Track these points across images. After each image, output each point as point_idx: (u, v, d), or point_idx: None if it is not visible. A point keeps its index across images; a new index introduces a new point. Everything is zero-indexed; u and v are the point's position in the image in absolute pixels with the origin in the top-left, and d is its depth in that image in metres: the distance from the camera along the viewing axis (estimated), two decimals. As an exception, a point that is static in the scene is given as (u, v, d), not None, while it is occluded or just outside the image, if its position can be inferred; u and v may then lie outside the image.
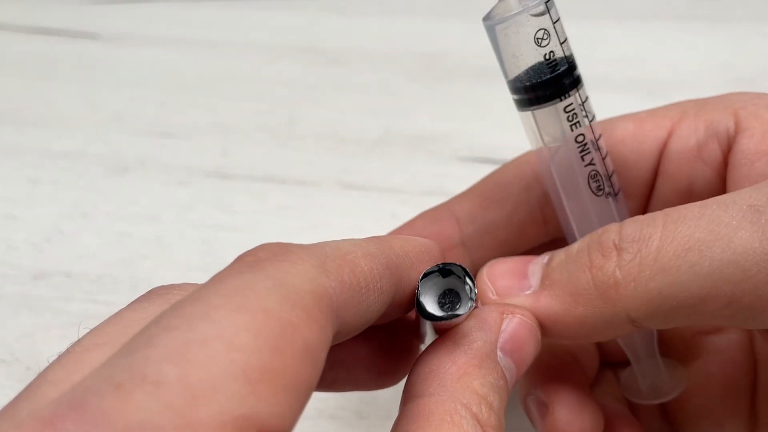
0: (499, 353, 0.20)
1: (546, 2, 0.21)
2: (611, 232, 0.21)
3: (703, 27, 0.49)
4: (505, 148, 0.41)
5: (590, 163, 0.23)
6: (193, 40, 0.49)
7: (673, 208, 0.21)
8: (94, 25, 0.50)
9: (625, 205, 0.25)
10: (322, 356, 0.16)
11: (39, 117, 0.45)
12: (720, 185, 0.24)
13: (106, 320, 0.18)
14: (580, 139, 0.23)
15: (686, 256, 0.19)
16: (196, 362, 0.14)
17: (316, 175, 0.41)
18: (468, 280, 0.20)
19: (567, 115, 0.23)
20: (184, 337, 0.15)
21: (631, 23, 0.49)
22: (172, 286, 0.18)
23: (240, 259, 0.17)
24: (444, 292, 0.20)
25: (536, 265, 0.22)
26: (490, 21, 0.22)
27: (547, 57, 0.22)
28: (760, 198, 0.20)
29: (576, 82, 0.22)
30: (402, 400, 0.20)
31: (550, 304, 0.21)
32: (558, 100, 0.22)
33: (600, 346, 0.27)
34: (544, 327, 0.22)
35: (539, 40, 0.21)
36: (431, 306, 0.20)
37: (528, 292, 0.22)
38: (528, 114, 0.23)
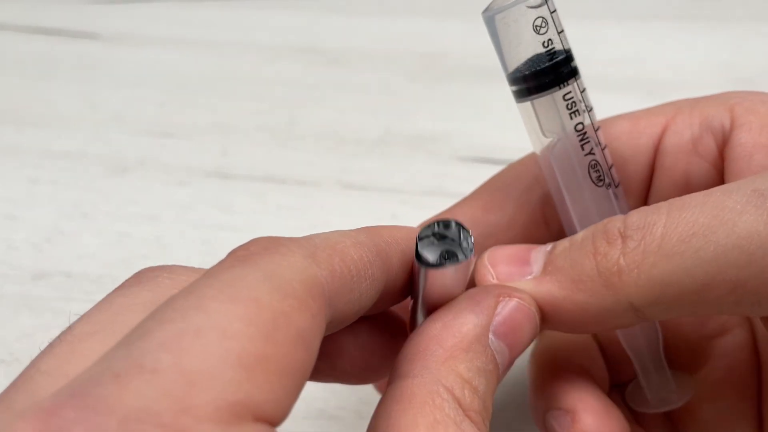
0: (491, 337, 0.20)
1: None
2: (617, 221, 0.21)
3: (703, 27, 0.49)
4: (505, 148, 0.41)
5: (590, 153, 0.23)
6: (193, 40, 0.49)
7: (677, 198, 0.21)
8: (94, 25, 0.50)
9: (624, 198, 0.25)
10: (315, 343, 0.17)
11: (39, 117, 0.45)
12: (717, 178, 0.24)
13: (95, 306, 0.18)
14: (579, 128, 0.23)
15: (690, 241, 0.19)
16: (192, 351, 0.15)
17: (316, 175, 0.41)
18: (464, 233, 0.20)
19: (566, 103, 0.23)
20: (178, 328, 0.15)
21: (631, 23, 0.49)
22: (160, 268, 0.19)
23: (232, 254, 0.18)
24: (442, 253, 0.20)
25: (539, 252, 0.22)
26: (489, 12, 0.22)
27: (546, 45, 0.22)
28: (765, 183, 0.20)
29: (574, 72, 0.23)
30: (389, 379, 0.20)
31: (551, 289, 0.21)
32: (557, 88, 0.22)
33: (609, 365, 0.26)
34: (544, 313, 0.22)
35: (538, 28, 0.22)
36: (431, 258, 0.20)
37: (529, 277, 0.22)
38: (527, 105, 0.23)
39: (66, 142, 0.43)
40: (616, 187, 0.24)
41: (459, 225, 0.20)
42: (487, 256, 0.23)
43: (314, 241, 0.18)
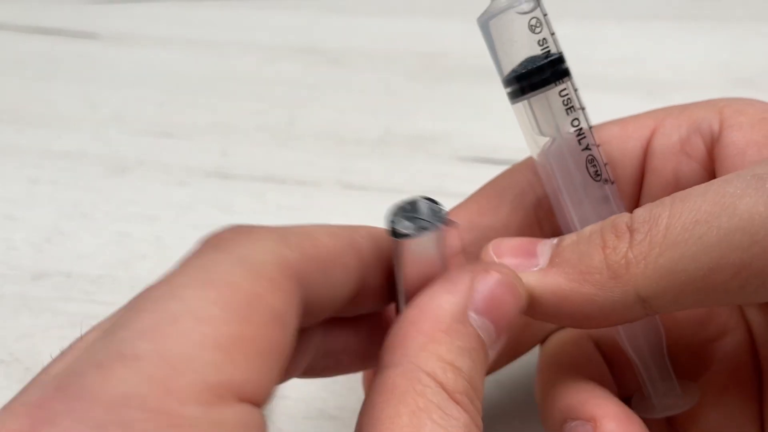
0: (472, 314, 0.20)
1: None
2: (624, 216, 0.21)
3: (703, 27, 0.49)
4: (505, 148, 0.41)
5: (587, 148, 0.24)
6: (193, 40, 0.49)
7: (680, 191, 0.21)
8: (94, 25, 0.50)
9: (620, 197, 0.25)
10: (291, 322, 0.17)
11: (39, 117, 0.45)
12: (706, 178, 0.24)
13: (109, 316, 0.18)
14: (575, 123, 0.23)
15: (694, 228, 0.20)
16: (169, 337, 0.15)
17: (316, 175, 0.41)
18: (432, 206, 0.20)
19: (563, 99, 0.23)
20: (156, 317, 0.16)
21: (631, 23, 0.49)
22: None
23: (205, 241, 0.18)
24: (415, 227, 0.20)
25: (545, 245, 0.22)
26: (484, 17, 0.22)
27: (541, 43, 0.22)
28: (763, 168, 0.20)
29: (567, 73, 0.23)
30: (375, 372, 0.20)
31: (558, 281, 0.21)
32: (554, 84, 0.23)
33: (615, 379, 0.26)
34: (549, 306, 0.21)
35: (533, 27, 0.22)
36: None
37: (535, 269, 0.22)
38: (524, 105, 0.23)
39: (66, 142, 0.43)
40: (612, 184, 0.24)
41: (427, 200, 0.21)
42: (491, 247, 0.23)
43: (286, 228, 0.19)
